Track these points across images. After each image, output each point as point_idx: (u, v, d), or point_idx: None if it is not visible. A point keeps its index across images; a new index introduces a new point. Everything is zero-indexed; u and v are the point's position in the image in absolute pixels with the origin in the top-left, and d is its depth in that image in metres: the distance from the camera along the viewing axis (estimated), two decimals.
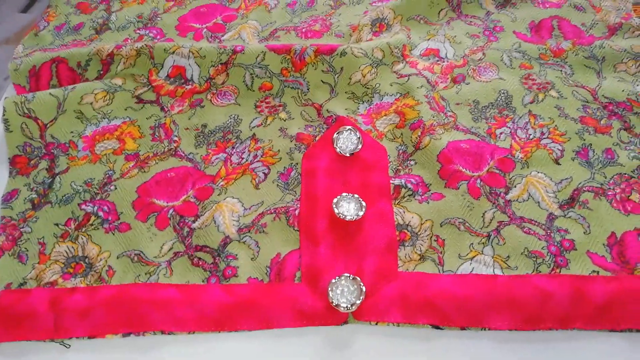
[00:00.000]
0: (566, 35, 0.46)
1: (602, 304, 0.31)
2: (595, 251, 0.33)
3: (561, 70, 0.43)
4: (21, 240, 0.36)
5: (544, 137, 0.39)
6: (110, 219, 0.36)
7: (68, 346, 0.32)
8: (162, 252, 0.35)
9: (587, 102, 0.41)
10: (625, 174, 0.37)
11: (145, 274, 0.34)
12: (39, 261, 0.35)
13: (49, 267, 0.34)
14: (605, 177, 0.37)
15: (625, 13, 0.47)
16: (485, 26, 0.48)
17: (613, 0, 0.48)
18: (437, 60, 0.45)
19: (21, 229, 0.36)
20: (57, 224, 0.36)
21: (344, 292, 0.32)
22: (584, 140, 0.39)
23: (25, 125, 0.41)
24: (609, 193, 0.36)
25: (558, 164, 0.37)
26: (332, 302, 0.31)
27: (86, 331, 0.32)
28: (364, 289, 0.31)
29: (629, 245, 0.33)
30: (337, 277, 0.32)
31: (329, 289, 0.32)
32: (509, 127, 0.40)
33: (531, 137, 0.39)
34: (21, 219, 0.37)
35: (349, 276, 0.32)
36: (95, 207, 0.37)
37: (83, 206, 0.37)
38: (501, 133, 0.39)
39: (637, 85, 0.42)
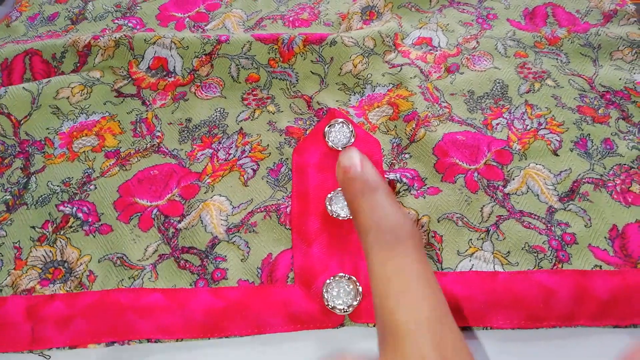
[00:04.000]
0: (561, 23, 0.45)
1: (606, 300, 0.30)
2: (597, 245, 0.32)
3: (557, 59, 0.42)
4: None
5: (541, 127, 0.38)
6: (90, 220, 0.34)
7: (48, 357, 0.30)
8: (147, 255, 0.33)
9: (584, 91, 0.40)
10: (624, 164, 0.36)
11: (129, 278, 0.32)
12: (15, 267, 0.33)
13: (26, 273, 0.32)
14: (605, 168, 0.36)
15: None
16: (478, 14, 0.46)
17: None
18: (430, 49, 0.43)
19: None
20: (33, 227, 0.34)
21: (340, 294, 0.30)
22: (582, 130, 0.37)
23: None
24: (609, 184, 0.35)
25: (556, 155, 0.36)
26: (328, 304, 0.30)
27: (67, 341, 0.30)
28: (360, 289, 0.30)
29: (630, 238, 0.32)
30: (332, 277, 0.30)
31: (324, 290, 0.30)
32: (506, 118, 0.38)
33: (528, 127, 0.38)
34: None
35: (345, 276, 0.31)
36: (74, 208, 0.35)
37: (61, 207, 0.35)
38: (497, 124, 0.38)
39: (635, 73, 0.41)
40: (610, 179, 0.35)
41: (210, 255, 0.33)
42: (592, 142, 0.37)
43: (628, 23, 0.44)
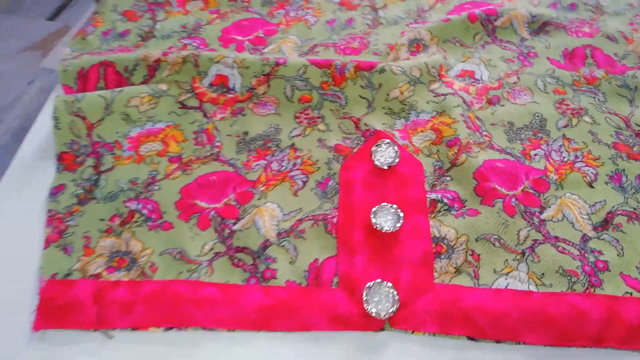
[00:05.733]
0: (599, 64, 0.47)
1: (636, 325, 0.31)
2: (628, 273, 0.34)
3: (594, 97, 0.44)
4: (67, 233, 0.37)
5: (577, 160, 0.40)
6: (153, 217, 0.37)
7: (111, 337, 0.33)
8: (204, 252, 0.36)
9: (620, 129, 0.42)
10: None
11: (187, 271, 0.35)
12: (84, 254, 0.36)
13: (94, 260, 0.35)
14: (638, 202, 0.37)
15: None
16: (519, 51, 0.49)
17: None
18: (473, 82, 0.46)
19: (67, 223, 0.37)
20: (102, 220, 0.37)
21: (381, 300, 0.32)
22: (617, 165, 0.39)
23: (74, 123, 0.42)
24: None
25: (592, 187, 0.38)
26: (368, 309, 0.32)
27: (129, 324, 0.33)
28: (397, 297, 0.32)
29: None
30: (373, 282, 0.33)
31: (365, 295, 0.32)
32: (544, 149, 0.41)
33: (565, 159, 0.40)
34: (67, 213, 0.38)
35: (385, 283, 0.33)
36: (140, 205, 0.38)
37: (127, 204, 0.38)
38: (535, 154, 0.40)
39: None
40: None
41: (262, 255, 0.35)
42: (627, 177, 0.39)
43: None
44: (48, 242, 0.37)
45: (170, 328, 0.32)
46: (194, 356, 0.32)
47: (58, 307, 0.33)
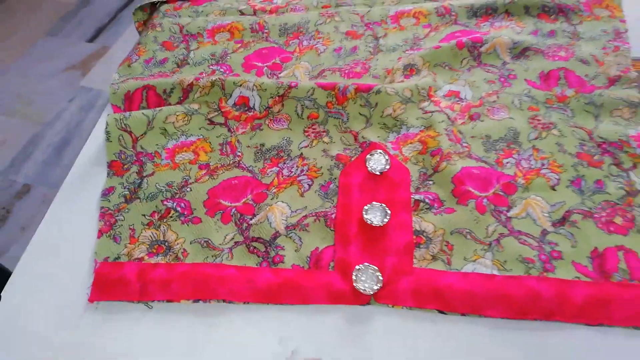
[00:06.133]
0: (570, 84, 0.54)
1: (581, 304, 0.38)
2: (579, 262, 0.40)
3: (564, 113, 0.51)
4: (116, 226, 0.46)
5: (544, 167, 0.46)
6: (185, 213, 0.46)
7: (150, 307, 0.41)
8: (226, 241, 0.44)
9: (584, 140, 0.48)
10: (611, 201, 0.43)
11: (212, 256, 0.43)
12: (130, 242, 0.44)
13: (137, 247, 0.44)
14: (594, 203, 0.43)
15: (625, 67, 0.54)
16: (501, 74, 0.56)
17: (615, 55, 0.55)
18: (457, 101, 0.53)
19: (116, 217, 0.46)
20: (144, 215, 0.46)
21: (367, 280, 0.40)
22: (578, 172, 0.46)
23: (122, 137, 0.51)
24: (596, 216, 0.43)
25: (554, 190, 0.45)
26: (357, 286, 0.39)
27: (165, 297, 0.41)
28: (381, 277, 0.40)
29: (608, 259, 0.40)
30: (361, 265, 0.40)
31: (354, 275, 0.40)
32: (515, 158, 0.47)
33: (533, 166, 0.46)
34: (116, 210, 0.47)
35: (371, 266, 0.40)
36: (175, 204, 0.46)
37: (165, 202, 0.47)
38: (507, 162, 0.47)
39: (629, 128, 0.48)
40: (597, 212, 0.43)
41: (273, 244, 0.43)
42: (586, 182, 0.45)
43: (630, 87, 0.52)
44: (101, 233, 0.45)
45: (198, 300, 0.40)
46: (216, 323, 0.40)
47: (109, 284, 0.42)
